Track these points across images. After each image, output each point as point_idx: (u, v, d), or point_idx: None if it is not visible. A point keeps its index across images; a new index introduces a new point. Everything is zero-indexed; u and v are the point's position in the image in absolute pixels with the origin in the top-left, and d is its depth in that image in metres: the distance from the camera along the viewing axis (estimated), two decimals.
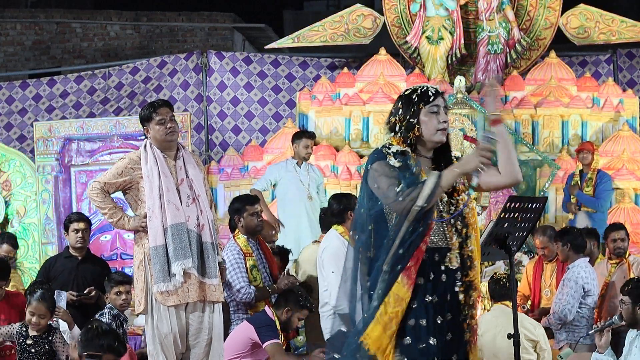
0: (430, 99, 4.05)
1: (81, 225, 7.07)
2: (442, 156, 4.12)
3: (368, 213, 4.03)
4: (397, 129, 4.08)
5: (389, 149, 4.04)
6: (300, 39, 11.12)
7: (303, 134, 9.29)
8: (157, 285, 5.44)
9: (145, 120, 5.64)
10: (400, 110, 4.09)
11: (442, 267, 4.00)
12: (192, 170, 5.62)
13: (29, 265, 8.69)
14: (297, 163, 9.12)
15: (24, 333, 6.03)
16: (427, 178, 3.91)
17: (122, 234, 8.36)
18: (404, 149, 4.03)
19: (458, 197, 4.07)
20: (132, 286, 6.38)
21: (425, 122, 4.04)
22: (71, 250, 7.16)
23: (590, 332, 6.13)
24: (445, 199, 4.04)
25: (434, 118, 4.04)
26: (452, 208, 4.05)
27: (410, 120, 4.04)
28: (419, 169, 3.99)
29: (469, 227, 4.06)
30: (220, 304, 5.70)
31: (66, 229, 7.21)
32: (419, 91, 4.09)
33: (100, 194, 5.61)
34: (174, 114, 5.75)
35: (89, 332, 5.07)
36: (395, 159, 3.98)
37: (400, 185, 3.90)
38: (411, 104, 4.06)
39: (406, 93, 4.13)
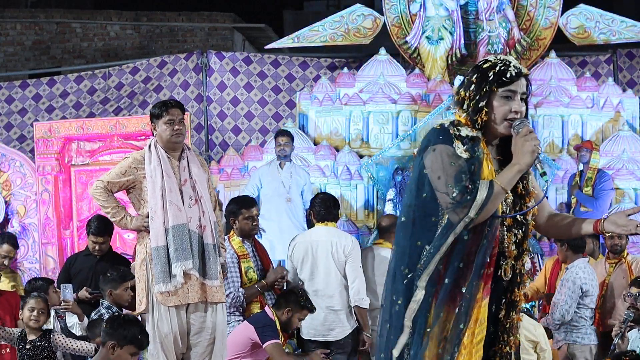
0: (506, 82, 3.47)
1: (99, 239, 7.11)
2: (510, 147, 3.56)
3: (416, 199, 3.49)
4: (464, 106, 3.52)
5: (458, 130, 3.47)
6: (300, 39, 11.12)
7: (277, 132, 9.35)
8: (158, 285, 5.45)
9: (154, 117, 5.65)
10: (473, 85, 3.50)
11: (497, 275, 3.51)
12: (196, 171, 5.62)
13: (29, 265, 8.70)
14: (279, 164, 9.11)
15: (23, 338, 6.00)
16: (479, 184, 3.39)
17: (122, 234, 8.36)
18: (474, 134, 3.47)
19: (529, 203, 3.57)
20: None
21: (496, 107, 3.48)
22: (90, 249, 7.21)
23: (615, 342, 6.10)
24: (511, 199, 3.52)
25: (505, 105, 3.47)
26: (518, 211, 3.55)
27: (480, 102, 3.48)
28: (482, 160, 3.45)
29: (526, 240, 3.59)
30: (223, 304, 5.70)
31: (87, 233, 7.26)
32: (497, 68, 3.47)
33: (103, 193, 5.62)
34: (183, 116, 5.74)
35: (114, 320, 5.06)
36: (464, 145, 3.44)
37: (456, 191, 3.37)
38: (484, 83, 3.47)
39: (484, 66, 3.51)
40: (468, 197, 3.36)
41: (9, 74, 13.84)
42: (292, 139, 9.27)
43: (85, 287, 6.87)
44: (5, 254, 7.39)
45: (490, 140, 3.55)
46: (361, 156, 10.00)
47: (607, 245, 7.78)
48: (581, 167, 9.29)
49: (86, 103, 11.53)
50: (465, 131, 3.47)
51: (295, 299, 6.44)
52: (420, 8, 10.54)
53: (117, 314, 6.15)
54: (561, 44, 11.36)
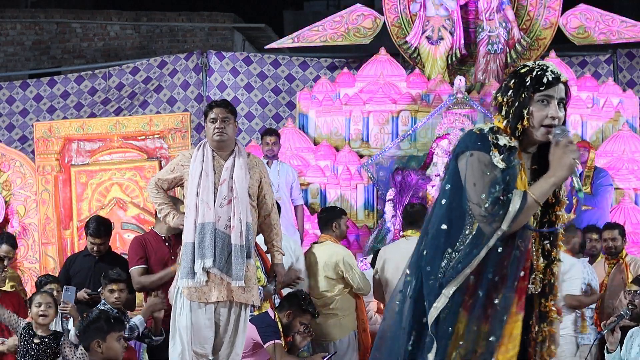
0: (542, 87, 3.43)
1: (97, 240, 7.10)
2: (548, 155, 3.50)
3: (454, 209, 3.44)
4: (503, 112, 3.49)
5: (497, 138, 3.42)
6: (300, 39, 11.12)
7: (264, 132, 9.30)
8: (181, 280, 5.54)
9: (204, 116, 5.76)
10: (511, 91, 3.47)
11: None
12: (238, 172, 5.62)
13: (29, 265, 8.68)
14: (267, 163, 9.08)
15: (30, 332, 6.00)
16: (512, 194, 3.34)
17: (122, 234, 8.36)
18: (512, 144, 3.43)
19: (558, 212, 3.55)
20: (125, 284, 6.45)
21: (533, 112, 3.43)
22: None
23: (603, 332, 6.13)
24: (539, 210, 3.50)
25: (542, 110, 3.42)
26: (546, 223, 3.54)
27: (520, 109, 3.44)
28: (517, 171, 3.41)
29: (556, 249, 3.57)
30: (249, 305, 5.72)
31: (85, 234, 7.26)
32: (534, 73, 3.45)
33: (153, 189, 5.79)
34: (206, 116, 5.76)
35: (81, 325, 5.08)
36: (500, 154, 3.39)
37: (489, 201, 3.34)
38: (523, 88, 3.44)
39: (522, 71, 3.49)
40: (500, 211, 3.32)
41: (9, 74, 13.84)
42: (279, 138, 9.23)
43: (84, 289, 6.86)
44: (4, 254, 7.38)
45: (527, 147, 3.51)
46: (361, 156, 9.99)
47: (603, 248, 7.78)
48: (580, 168, 9.29)
49: (87, 104, 11.52)
50: (503, 140, 3.43)
51: (297, 302, 6.42)
52: (420, 8, 10.54)
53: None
54: (561, 44, 11.36)
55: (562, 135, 3.38)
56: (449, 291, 3.37)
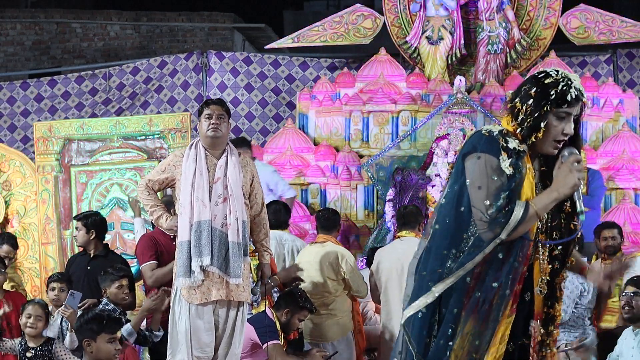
0: (564, 105, 3.41)
1: (76, 222, 7.10)
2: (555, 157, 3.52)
3: (455, 210, 3.44)
4: (519, 119, 3.44)
5: (507, 141, 3.40)
6: (300, 39, 11.12)
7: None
8: (178, 280, 5.51)
9: (198, 114, 5.75)
10: (532, 100, 3.42)
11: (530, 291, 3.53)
12: (232, 171, 5.63)
13: (29, 265, 8.68)
14: None
15: (23, 347, 5.96)
16: (516, 205, 3.33)
17: (122, 234, 8.36)
18: (521, 149, 3.41)
19: (566, 221, 3.59)
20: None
21: (549, 126, 3.42)
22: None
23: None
24: (546, 217, 3.52)
25: (558, 125, 3.42)
26: (556, 232, 3.56)
27: (538, 121, 3.41)
28: (524, 177, 3.40)
29: (568, 256, 3.60)
30: (246, 304, 5.72)
31: None
32: (558, 88, 3.39)
33: (144, 191, 5.74)
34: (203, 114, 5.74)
35: (79, 320, 5.05)
36: (509, 159, 3.38)
37: (493, 208, 3.33)
38: (545, 101, 3.40)
39: (545, 81, 3.42)
40: (502, 220, 3.31)
41: (9, 74, 13.84)
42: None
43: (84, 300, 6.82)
44: (5, 254, 7.38)
45: (535, 153, 3.51)
46: (361, 156, 9.99)
47: (600, 247, 7.77)
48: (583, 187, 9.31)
49: (88, 104, 11.53)
50: (512, 143, 3.40)
51: (294, 300, 6.43)
52: (420, 8, 10.54)
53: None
54: (561, 44, 11.35)
55: (571, 153, 3.42)
56: (438, 289, 3.39)
